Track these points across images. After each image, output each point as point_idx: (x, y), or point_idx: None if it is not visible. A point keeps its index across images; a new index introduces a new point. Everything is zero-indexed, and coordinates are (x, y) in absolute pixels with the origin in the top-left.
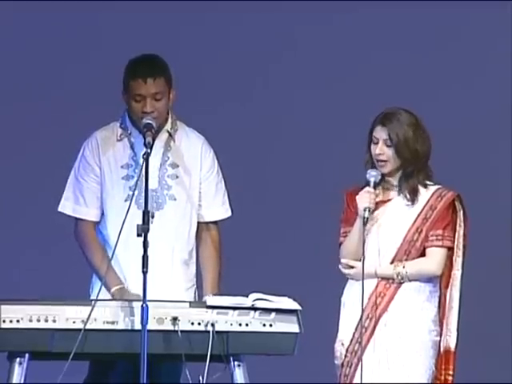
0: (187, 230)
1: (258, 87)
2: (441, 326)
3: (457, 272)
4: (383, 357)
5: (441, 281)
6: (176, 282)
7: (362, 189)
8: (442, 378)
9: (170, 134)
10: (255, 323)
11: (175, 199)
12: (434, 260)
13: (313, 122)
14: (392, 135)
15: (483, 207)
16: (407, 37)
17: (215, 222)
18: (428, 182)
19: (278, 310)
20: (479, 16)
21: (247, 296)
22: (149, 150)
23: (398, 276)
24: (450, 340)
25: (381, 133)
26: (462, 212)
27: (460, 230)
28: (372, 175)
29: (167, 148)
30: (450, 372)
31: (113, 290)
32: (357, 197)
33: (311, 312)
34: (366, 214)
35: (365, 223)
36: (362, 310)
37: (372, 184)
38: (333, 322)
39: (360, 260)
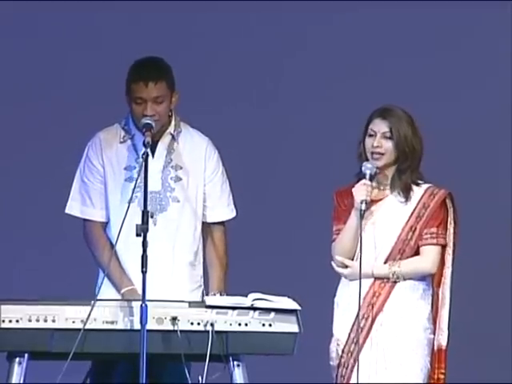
0: (192, 231)
1: (260, 88)
2: (434, 324)
3: (447, 270)
4: (380, 356)
5: (433, 279)
6: (180, 284)
7: (353, 186)
8: (435, 376)
9: (173, 137)
10: (254, 323)
11: (178, 201)
12: (429, 258)
13: (315, 123)
14: (393, 128)
15: (483, 207)
16: (407, 37)
17: (221, 223)
18: (419, 181)
19: (278, 310)
20: (479, 16)
21: (246, 296)
22: (148, 150)
23: (393, 275)
24: (442, 338)
25: (380, 125)
26: (452, 210)
27: (450, 228)
28: (368, 168)
29: (170, 150)
30: (442, 370)
31: (123, 291)
32: (353, 189)
33: (310, 312)
34: (363, 207)
35: (362, 216)
36: (359, 309)
37: (368, 176)
38: (332, 322)
39: (353, 259)
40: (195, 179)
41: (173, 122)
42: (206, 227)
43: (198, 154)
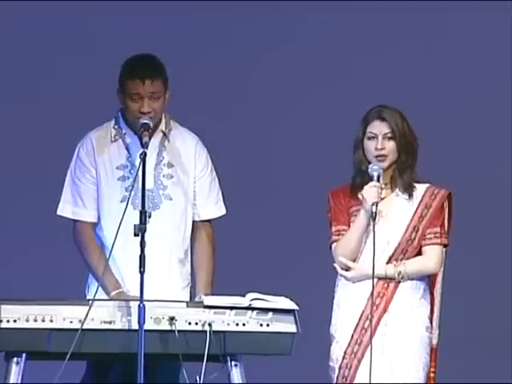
0: (183, 229)
1: (252, 87)
2: (431, 323)
3: (440, 269)
4: (386, 357)
5: (429, 279)
6: (173, 282)
7: (351, 188)
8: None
9: (164, 134)
10: (252, 323)
11: (171, 199)
12: (433, 258)
13: (307, 121)
14: (394, 128)
15: (483, 207)
16: (405, 36)
17: (209, 221)
18: (418, 180)
19: (275, 310)
20: (479, 16)
21: (244, 296)
22: (146, 150)
23: (399, 275)
24: (434, 337)
25: (380, 127)
26: (447, 210)
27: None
28: (374, 169)
29: (162, 148)
30: (433, 369)
31: (112, 294)
32: (363, 192)
33: (308, 312)
34: (374, 209)
35: (373, 218)
36: (371, 311)
37: (376, 178)
38: (330, 322)
39: (355, 260)
40: (186, 177)
41: (163, 120)
42: (195, 225)
43: (188, 152)
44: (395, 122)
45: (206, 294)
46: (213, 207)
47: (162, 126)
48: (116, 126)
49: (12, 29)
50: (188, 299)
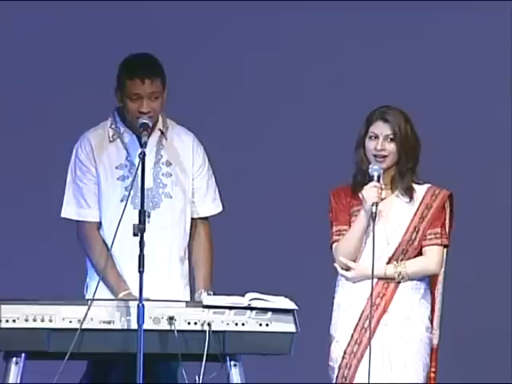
0: (183, 226)
1: (250, 86)
2: (431, 323)
3: (441, 270)
4: (385, 357)
5: (430, 279)
6: (174, 280)
7: (352, 187)
8: (428, 375)
9: (162, 133)
10: (251, 323)
11: (171, 197)
12: (433, 258)
13: (306, 119)
14: (396, 130)
15: (483, 207)
16: (406, 36)
17: (206, 218)
18: (419, 181)
19: (275, 310)
20: (479, 16)
21: (243, 295)
22: (145, 150)
23: (398, 276)
24: (434, 337)
25: (382, 128)
26: (448, 210)
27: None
28: (375, 169)
29: (160, 146)
30: (433, 369)
31: (120, 295)
32: (363, 192)
33: (308, 312)
34: (374, 209)
35: (373, 219)
36: (371, 311)
37: (376, 178)
38: (330, 322)
39: (355, 260)
40: (184, 175)
41: (160, 119)
42: (192, 223)
43: (185, 150)
44: (398, 125)
45: (206, 289)
46: (211, 204)
47: (160, 125)
48: (113, 126)
49: (11, 28)
50: (188, 298)
